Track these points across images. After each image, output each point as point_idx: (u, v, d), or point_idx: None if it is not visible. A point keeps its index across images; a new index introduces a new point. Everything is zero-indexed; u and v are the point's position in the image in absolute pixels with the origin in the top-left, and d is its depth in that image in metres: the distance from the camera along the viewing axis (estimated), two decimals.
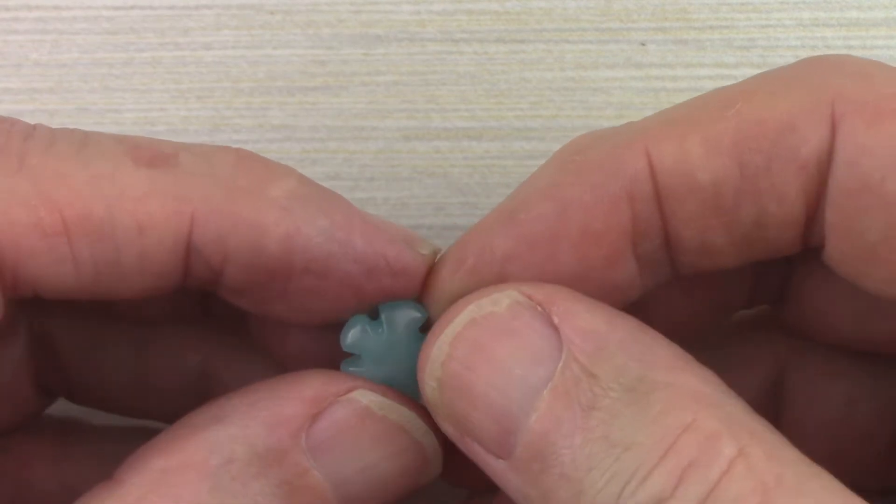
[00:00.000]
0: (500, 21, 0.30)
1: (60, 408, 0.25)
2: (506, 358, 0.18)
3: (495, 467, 0.18)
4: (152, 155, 0.19)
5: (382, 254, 0.20)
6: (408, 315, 0.21)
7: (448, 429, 0.19)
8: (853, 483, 0.16)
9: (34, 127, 0.20)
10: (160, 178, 0.19)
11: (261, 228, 0.19)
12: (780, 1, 0.30)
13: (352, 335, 0.21)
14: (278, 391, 0.20)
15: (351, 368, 0.21)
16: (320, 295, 0.20)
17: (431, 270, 0.21)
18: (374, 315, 0.21)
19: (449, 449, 0.20)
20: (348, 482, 0.19)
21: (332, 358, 0.21)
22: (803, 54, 0.30)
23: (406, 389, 0.21)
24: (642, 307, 0.20)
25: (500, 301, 0.18)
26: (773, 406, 0.23)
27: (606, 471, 0.16)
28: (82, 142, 0.19)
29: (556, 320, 0.18)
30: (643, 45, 0.30)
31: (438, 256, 0.21)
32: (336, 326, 0.21)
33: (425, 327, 0.21)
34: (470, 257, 0.20)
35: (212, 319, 0.24)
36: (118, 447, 0.20)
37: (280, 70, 0.30)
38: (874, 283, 0.19)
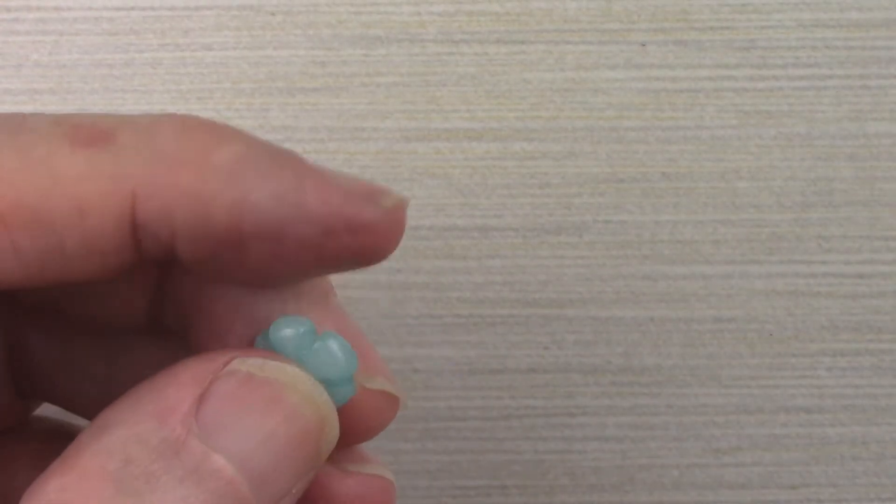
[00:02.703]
0: (501, 22, 0.30)
1: (50, 409, 0.25)
2: None
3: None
4: (90, 134, 0.19)
5: (339, 212, 0.19)
6: (334, 358, 0.21)
7: None
8: None
9: None
10: (97, 157, 0.19)
11: (206, 198, 0.19)
12: (781, 2, 0.30)
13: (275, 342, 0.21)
14: (158, 383, 0.19)
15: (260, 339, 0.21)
16: (278, 259, 0.20)
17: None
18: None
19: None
20: (251, 457, 0.19)
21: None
22: (803, 55, 0.30)
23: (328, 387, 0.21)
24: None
25: None
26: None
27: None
28: (18, 127, 0.19)
29: None
30: (643, 46, 0.30)
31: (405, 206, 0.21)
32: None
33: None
34: None
35: (182, 331, 0.24)
36: None
37: (280, 71, 0.30)
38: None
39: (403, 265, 0.30)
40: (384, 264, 0.30)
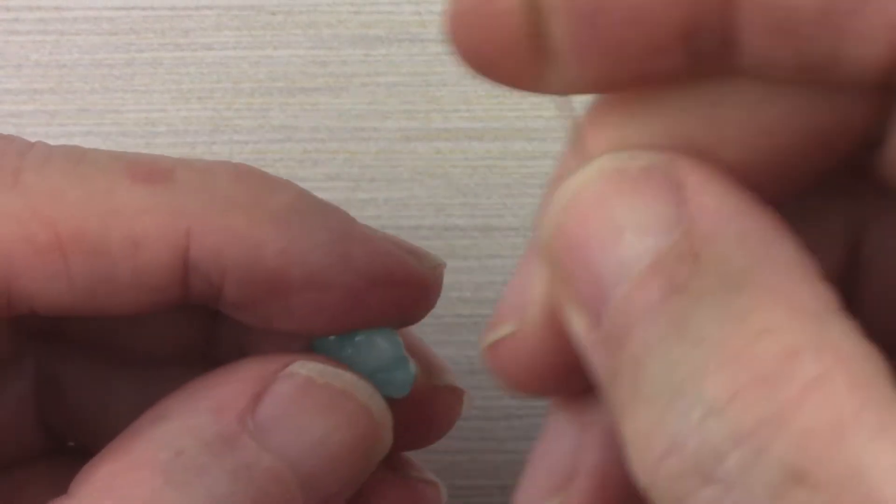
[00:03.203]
0: None
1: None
2: (622, 218, 0.16)
3: (586, 340, 0.16)
4: (149, 171, 0.19)
5: (383, 264, 0.20)
6: (378, 345, 0.21)
7: (555, 286, 0.17)
8: None
9: (32, 144, 0.20)
10: (156, 194, 0.19)
11: (258, 243, 0.19)
12: None
13: (320, 343, 0.21)
14: (217, 379, 0.19)
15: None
16: (324, 309, 0.20)
17: None
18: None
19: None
20: (304, 459, 0.19)
21: None
22: None
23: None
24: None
25: (637, 158, 0.16)
26: (849, 276, 0.20)
27: (668, 362, 0.14)
28: (79, 158, 0.19)
29: (687, 192, 0.16)
30: None
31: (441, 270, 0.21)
32: None
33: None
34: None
35: (216, 360, 0.24)
36: None
37: (281, 71, 0.30)
38: None
39: None
40: None
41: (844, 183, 0.19)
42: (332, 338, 0.21)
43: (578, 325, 0.16)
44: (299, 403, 0.19)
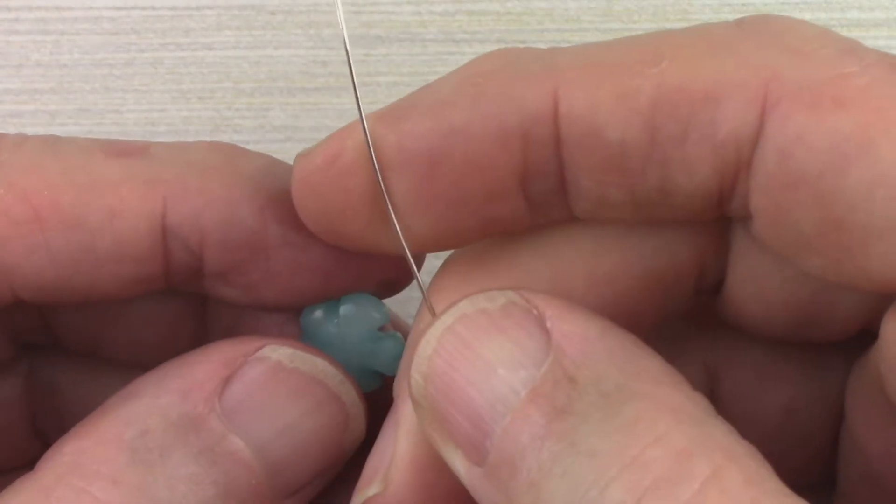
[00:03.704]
0: (502, 22, 0.30)
1: None
2: (491, 357, 0.17)
3: (472, 477, 0.17)
4: (124, 148, 0.20)
5: None
6: (366, 313, 0.21)
7: (430, 433, 0.18)
8: (795, 482, 0.15)
9: (6, 134, 0.20)
10: (131, 165, 0.19)
11: (234, 203, 0.19)
12: (781, 2, 0.30)
13: (308, 319, 0.21)
14: (188, 361, 0.19)
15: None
16: (304, 269, 0.20)
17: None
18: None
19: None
20: (270, 445, 0.19)
21: None
22: None
23: (359, 372, 0.21)
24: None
25: (495, 299, 0.17)
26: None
27: (568, 478, 0.15)
28: (55, 140, 0.20)
29: (548, 324, 0.17)
30: None
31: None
32: None
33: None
34: (347, 152, 0.18)
35: None
36: None
37: (281, 70, 0.30)
38: (808, 268, 0.17)
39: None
40: None
41: (701, 319, 0.21)
42: (318, 313, 0.20)
43: (461, 465, 0.17)
44: (268, 388, 0.19)
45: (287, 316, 0.21)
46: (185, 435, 0.18)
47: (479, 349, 0.17)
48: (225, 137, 0.30)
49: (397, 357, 0.20)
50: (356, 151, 0.18)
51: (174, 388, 0.19)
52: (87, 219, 0.19)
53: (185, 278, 0.20)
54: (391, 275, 0.21)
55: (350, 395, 0.20)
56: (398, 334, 0.21)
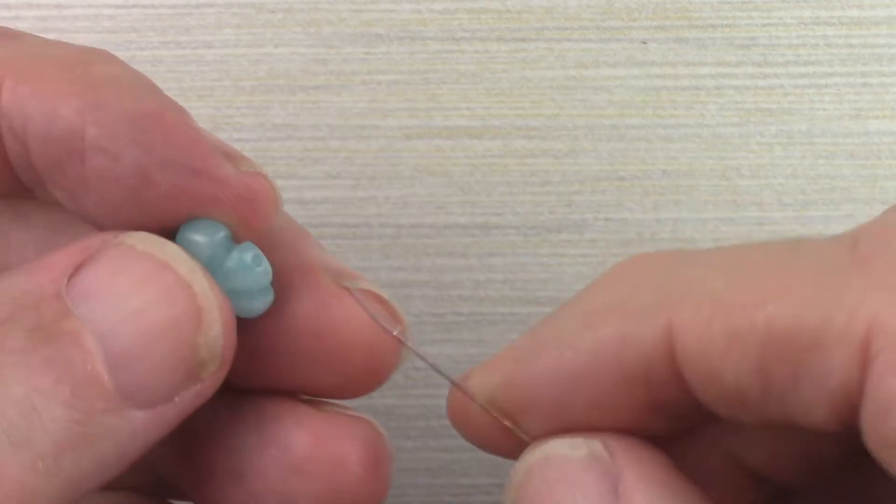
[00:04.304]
0: (502, 20, 0.30)
1: None
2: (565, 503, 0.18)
3: None
4: None
5: (178, 148, 0.19)
6: (215, 230, 0.20)
7: None
8: None
9: None
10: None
11: (61, 96, 0.19)
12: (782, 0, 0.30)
13: (184, 239, 0.20)
14: (55, 248, 0.19)
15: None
16: (115, 182, 0.19)
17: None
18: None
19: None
20: (111, 331, 0.18)
21: None
22: (804, 52, 0.30)
23: (234, 297, 0.20)
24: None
25: (578, 447, 0.18)
26: None
27: None
28: None
29: (621, 489, 0.18)
30: (644, 43, 0.30)
31: (257, 174, 0.20)
32: None
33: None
34: (472, 409, 0.20)
35: None
36: None
37: (281, 69, 0.30)
38: None
39: (404, 263, 0.30)
40: (384, 262, 0.30)
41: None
42: (197, 237, 0.20)
43: None
44: (117, 272, 0.18)
45: None
46: (23, 311, 0.17)
47: (555, 494, 0.18)
48: (225, 136, 0.30)
49: (261, 259, 0.20)
50: (478, 408, 0.20)
51: (25, 269, 0.18)
52: None
53: (21, 167, 0.20)
54: (211, 210, 0.20)
55: (203, 287, 0.19)
56: (250, 244, 0.20)
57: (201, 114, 0.30)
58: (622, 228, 0.30)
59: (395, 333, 0.20)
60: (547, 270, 0.30)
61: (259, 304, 0.20)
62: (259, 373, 0.20)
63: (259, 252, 0.20)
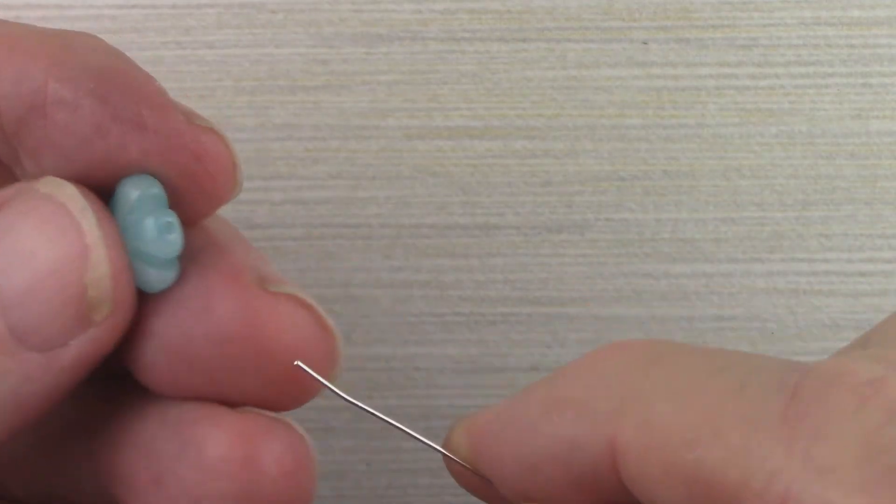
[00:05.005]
0: (502, 20, 0.30)
1: None
2: None
3: None
4: None
5: (135, 100, 0.19)
6: (148, 185, 0.19)
7: None
8: None
9: None
10: None
11: (32, 57, 0.19)
12: None
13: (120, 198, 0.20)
14: None
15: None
16: (71, 134, 0.19)
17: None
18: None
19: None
20: (6, 276, 0.18)
21: None
22: (805, 53, 0.30)
23: (136, 259, 0.19)
24: None
25: None
26: None
27: None
28: None
29: None
30: (645, 43, 0.30)
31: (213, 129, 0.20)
32: None
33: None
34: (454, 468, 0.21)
35: None
36: None
37: (282, 69, 0.30)
38: None
39: (404, 263, 0.30)
40: (385, 262, 0.30)
41: None
42: (127, 190, 0.19)
43: None
44: (20, 217, 0.18)
45: None
46: None
47: None
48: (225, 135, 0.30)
49: (176, 230, 0.19)
50: (458, 469, 0.21)
51: None
52: None
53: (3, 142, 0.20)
54: (166, 170, 0.20)
55: (90, 224, 0.19)
56: (173, 214, 0.20)
57: (202, 114, 0.30)
58: (623, 228, 0.30)
59: (328, 348, 0.20)
60: (548, 271, 0.30)
61: (157, 275, 0.19)
62: (182, 379, 0.20)
63: (176, 221, 0.19)
